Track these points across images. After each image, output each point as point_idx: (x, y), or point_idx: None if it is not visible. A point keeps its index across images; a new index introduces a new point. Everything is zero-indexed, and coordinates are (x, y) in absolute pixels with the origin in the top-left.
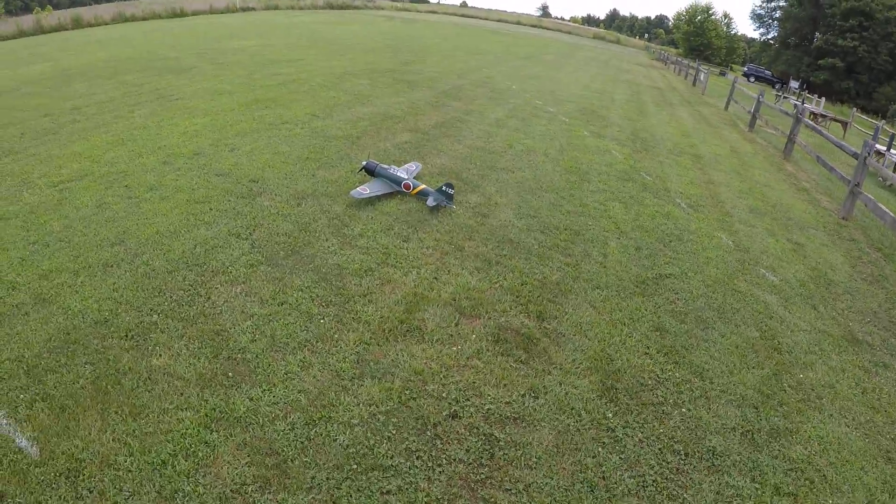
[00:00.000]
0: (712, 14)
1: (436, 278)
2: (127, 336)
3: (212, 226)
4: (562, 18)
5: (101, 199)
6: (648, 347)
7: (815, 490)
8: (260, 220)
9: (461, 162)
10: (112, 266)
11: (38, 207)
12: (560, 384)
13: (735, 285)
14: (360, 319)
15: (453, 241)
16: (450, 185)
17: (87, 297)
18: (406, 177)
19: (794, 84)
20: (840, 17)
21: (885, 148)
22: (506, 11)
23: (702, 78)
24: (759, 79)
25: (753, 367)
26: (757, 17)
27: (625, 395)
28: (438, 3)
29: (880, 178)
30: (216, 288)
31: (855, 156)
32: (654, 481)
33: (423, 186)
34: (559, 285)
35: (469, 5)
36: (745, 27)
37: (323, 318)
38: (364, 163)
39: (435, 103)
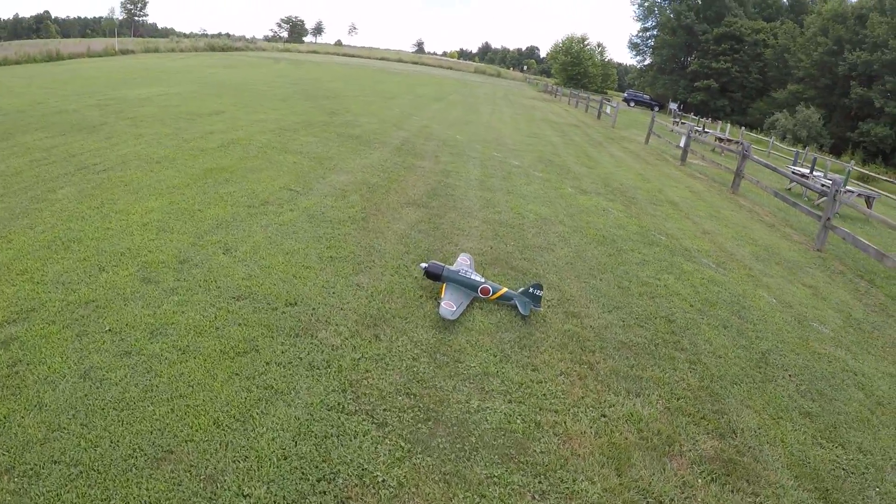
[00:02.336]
0: (587, 44)
1: (604, 416)
2: None
3: (293, 398)
4: (435, 53)
5: (82, 362)
6: (817, 438)
7: None
8: (349, 374)
9: (493, 242)
10: None
11: None
12: None
13: (812, 347)
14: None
15: (576, 357)
16: (538, 287)
17: None
18: (482, 280)
19: (672, 105)
20: (713, 41)
21: (808, 171)
22: (380, 49)
23: (608, 111)
24: (638, 103)
25: (888, 426)
26: (633, 46)
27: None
28: (314, 42)
29: (789, 187)
30: None
31: (823, 192)
32: None
33: (504, 290)
34: (706, 390)
35: (344, 44)
36: (616, 54)
37: None
38: (425, 266)
39: (403, 164)
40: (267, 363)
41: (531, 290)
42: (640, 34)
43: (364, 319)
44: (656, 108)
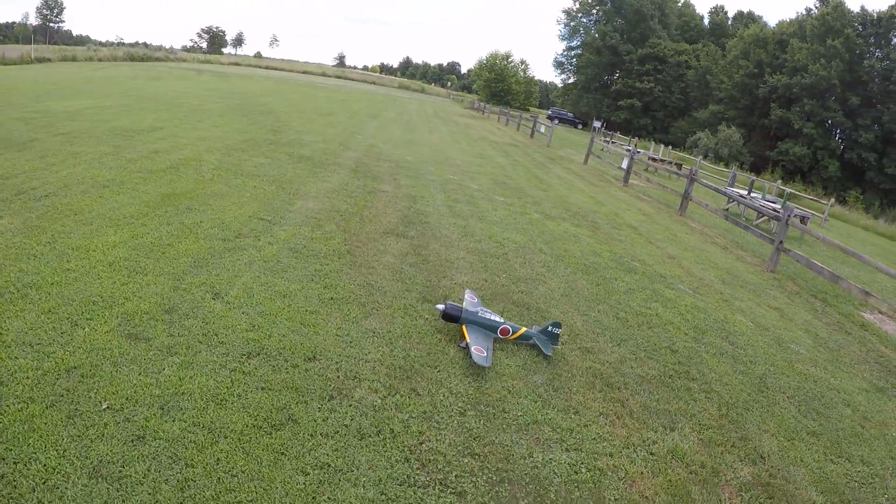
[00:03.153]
0: (511, 61)
1: (652, 454)
2: None
3: (357, 476)
4: (356, 67)
5: (86, 455)
6: (827, 454)
7: None
8: (404, 440)
9: (485, 275)
10: None
11: None
12: None
13: (798, 369)
14: None
15: (606, 396)
16: (557, 325)
17: None
18: (501, 320)
19: (596, 123)
20: (637, 62)
21: (745, 191)
22: (300, 61)
23: (543, 130)
24: (562, 120)
25: (878, 438)
26: (559, 65)
27: None
28: (235, 53)
29: (727, 206)
30: None
31: (777, 217)
32: None
33: (523, 330)
34: (726, 418)
35: (264, 56)
36: (539, 71)
37: None
38: (441, 308)
39: (365, 188)
40: (311, 436)
41: (549, 328)
42: (566, 53)
43: (394, 372)
44: (580, 126)
